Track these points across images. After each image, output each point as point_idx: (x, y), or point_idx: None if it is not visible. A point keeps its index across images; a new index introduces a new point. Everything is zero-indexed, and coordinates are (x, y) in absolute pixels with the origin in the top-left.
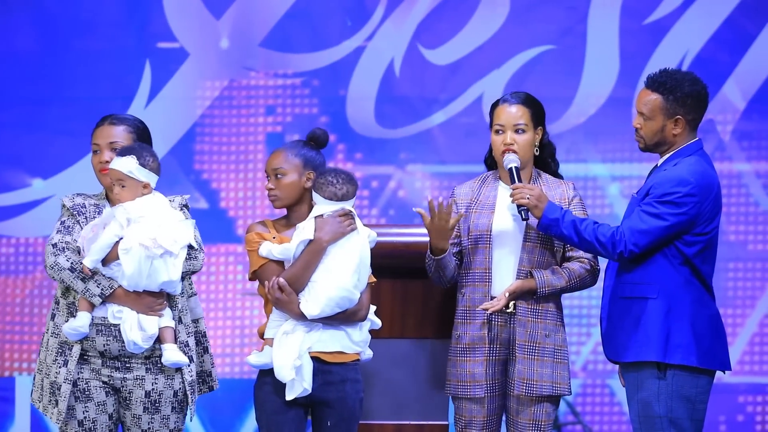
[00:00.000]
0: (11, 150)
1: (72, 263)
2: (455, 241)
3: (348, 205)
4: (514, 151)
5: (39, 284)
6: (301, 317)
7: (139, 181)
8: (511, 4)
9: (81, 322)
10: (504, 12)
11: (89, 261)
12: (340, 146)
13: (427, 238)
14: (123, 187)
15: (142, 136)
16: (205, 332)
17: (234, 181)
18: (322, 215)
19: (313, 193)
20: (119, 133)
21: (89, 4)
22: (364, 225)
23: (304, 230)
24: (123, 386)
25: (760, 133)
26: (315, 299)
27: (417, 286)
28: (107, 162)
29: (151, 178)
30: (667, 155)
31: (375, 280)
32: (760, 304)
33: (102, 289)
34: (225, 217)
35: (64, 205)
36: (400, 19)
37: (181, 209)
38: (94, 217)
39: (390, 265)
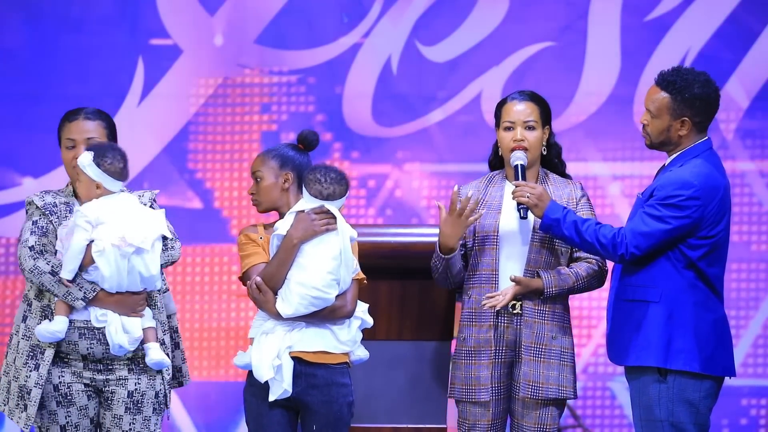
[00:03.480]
0: (1, 148)
1: (53, 266)
2: (461, 242)
3: (334, 205)
4: (525, 148)
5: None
6: (278, 316)
7: (90, 178)
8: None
9: (59, 327)
10: (503, 8)
11: (67, 272)
12: (336, 145)
13: (426, 239)
14: (79, 181)
15: (113, 132)
16: (177, 328)
17: (228, 180)
18: (302, 211)
19: (303, 188)
20: (95, 128)
21: (81, 0)
22: (360, 225)
23: (281, 225)
24: (105, 387)
25: (763, 132)
26: (289, 298)
27: (415, 287)
28: None
29: (104, 180)
30: (674, 155)
31: (365, 277)
32: (763, 305)
33: (85, 293)
34: (219, 217)
35: (32, 203)
36: (398, 15)
37: (151, 204)
38: (66, 216)
39: (388, 265)
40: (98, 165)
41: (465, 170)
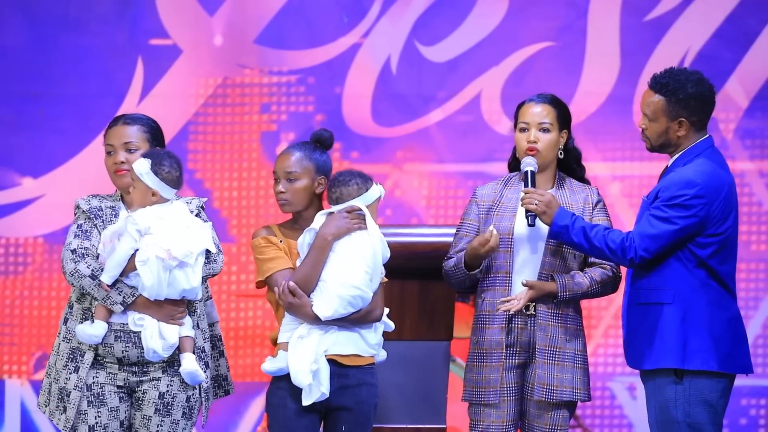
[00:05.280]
0: (1, 148)
1: (93, 270)
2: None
3: (359, 202)
4: (538, 150)
5: (30, 285)
6: (315, 320)
7: (147, 186)
8: None
9: (97, 331)
10: (503, 8)
11: (107, 277)
12: (336, 145)
13: (426, 239)
14: (134, 188)
15: (156, 136)
16: (220, 336)
17: (228, 180)
18: (332, 212)
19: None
20: (134, 133)
21: (80, 0)
22: None
23: (315, 223)
24: (138, 387)
25: (763, 132)
26: (326, 300)
27: (414, 288)
28: (123, 162)
29: (161, 188)
30: (676, 156)
31: (386, 279)
32: (763, 305)
33: (124, 297)
34: (218, 217)
35: (79, 207)
36: (397, 15)
37: (198, 212)
38: (111, 221)
39: (387, 265)
40: (156, 173)
41: (464, 170)
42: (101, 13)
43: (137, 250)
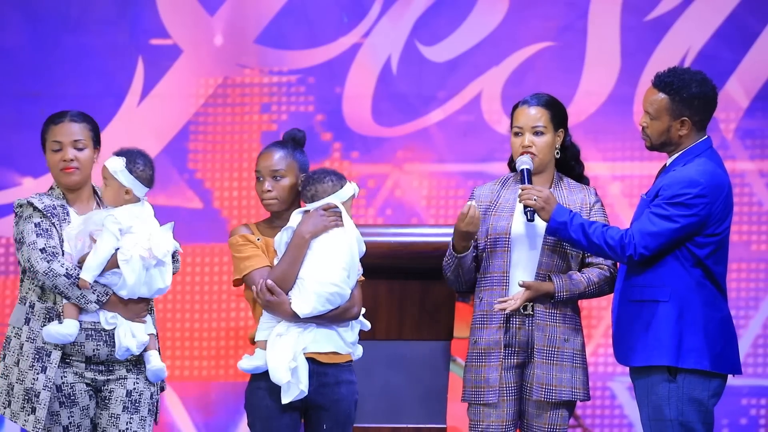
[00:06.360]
0: (1, 148)
1: (67, 269)
2: (473, 244)
3: (335, 199)
4: (533, 154)
5: None
6: (293, 317)
7: (121, 184)
8: None
9: (70, 330)
10: (503, 8)
11: (89, 276)
12: (336, 145)
13: (426, 239)
14: (106, 186)
15: (97, 135)
16: (156, 333)
17: (228, 180)
18: (308, 210)
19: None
20: (81, 131)
21: (80, 0)
22: (360, 225)
23: (290, 221)
24: (105, 387)
25: (763, 132)
26: (305, 297)
27: (415, 287)
28: (72, 160)
29: (135, 186)
30: (675, 155)
31: (363, 278)
32: (763, 305)
33: (98, 296)
34: (218, 217)
35: (29, 205)
36: (397, 15)
37: None
38: (64, 219)
39: (387, 265)
40: (130, 171)
41: (465, 170)
42: (101, 13)
43: (117, 248)
